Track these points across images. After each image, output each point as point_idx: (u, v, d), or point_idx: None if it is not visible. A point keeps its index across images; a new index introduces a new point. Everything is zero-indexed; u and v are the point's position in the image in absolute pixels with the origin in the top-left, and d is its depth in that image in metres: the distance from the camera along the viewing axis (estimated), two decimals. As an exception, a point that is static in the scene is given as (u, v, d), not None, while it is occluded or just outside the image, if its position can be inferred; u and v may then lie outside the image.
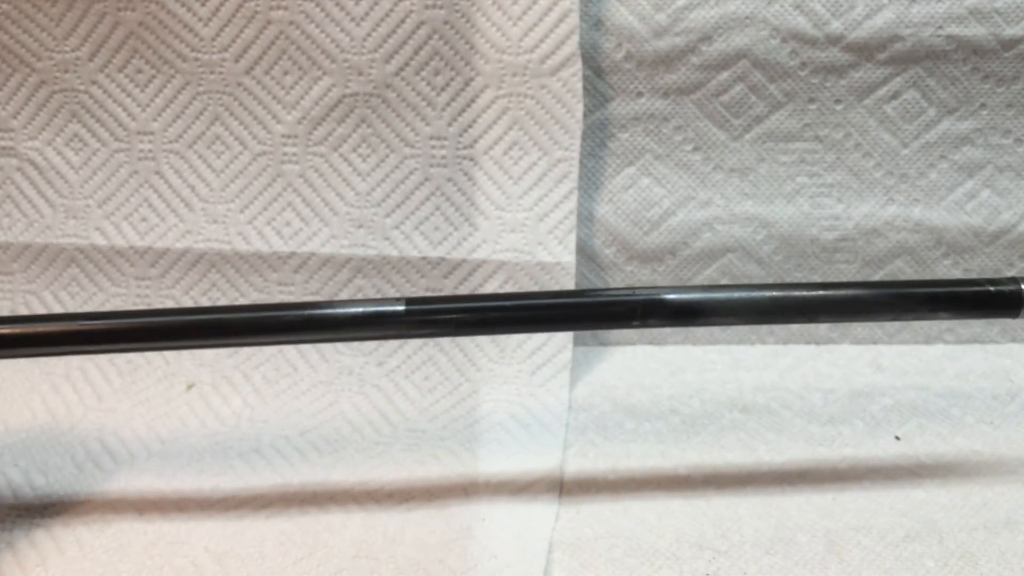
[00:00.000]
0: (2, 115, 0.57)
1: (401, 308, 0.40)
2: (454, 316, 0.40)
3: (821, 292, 0.41)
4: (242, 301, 0.57)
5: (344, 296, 0.56)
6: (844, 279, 0.57)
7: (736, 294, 0.41)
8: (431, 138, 0.54)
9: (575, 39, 0.52)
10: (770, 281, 0.57)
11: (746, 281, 0.57)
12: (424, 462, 0.50)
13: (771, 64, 0.53)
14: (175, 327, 0.41)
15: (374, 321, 0.40)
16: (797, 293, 0.41)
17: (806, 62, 0.53)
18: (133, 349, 0.45)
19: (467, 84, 0.53)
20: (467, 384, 0.55)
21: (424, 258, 0.55)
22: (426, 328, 0.41)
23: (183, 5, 0.53)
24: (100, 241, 0.57)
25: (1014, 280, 0.40)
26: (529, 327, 0.45)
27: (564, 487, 0.48)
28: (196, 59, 0.54)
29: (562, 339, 0.56)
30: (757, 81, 0.54)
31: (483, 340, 0.56)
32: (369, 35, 0.53)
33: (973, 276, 0.57)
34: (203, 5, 0.53)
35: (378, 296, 0.56)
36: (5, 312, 0.59)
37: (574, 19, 0.52)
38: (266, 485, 0.49)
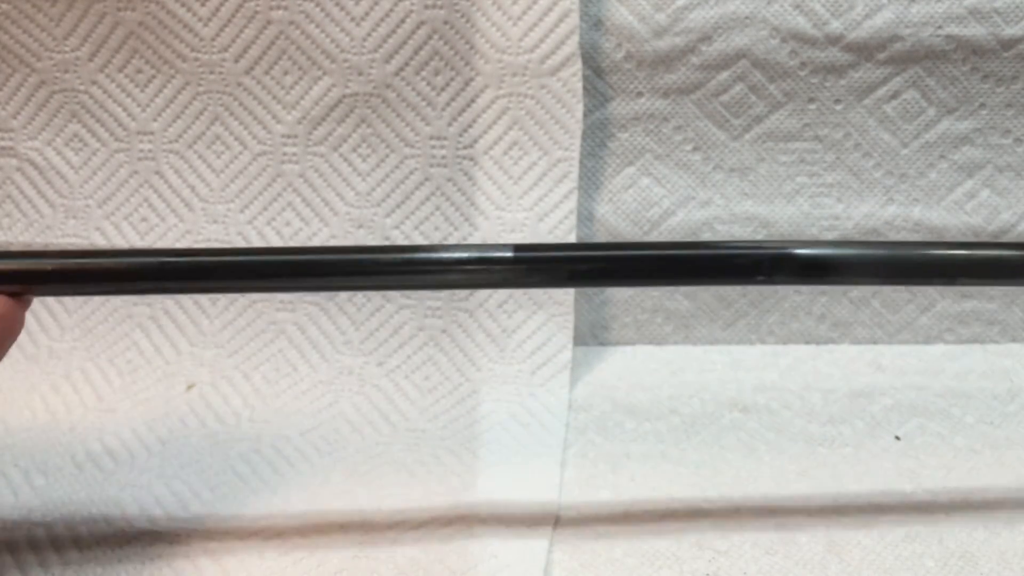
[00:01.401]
0: (2, 115, 0.57)
1: (509, 254, 0.37)
2: (566, 266, 0.38)
3: (964, 252, 0.39)
4: (241, 301, 0.57)
5: (344, 295, 0.56)
6: (844, 279, 0.57)
7: (871, 251, 0.38)
8: (431, 138, 0.54)
9: (575, 39, 0.52)
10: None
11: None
12: (424, 462, 0.50)
13: (771, 64, 0.53)
14: (266, 267, 0.38)
15: (480, 265, 0.37)
16: (938, 252, 0.38)
17: (806, 62, 0.53)
18: (221, 289, 0.41)
19: (467, 84, 0.53)
20: (467, 384, 0.55)
21: (424, 258, 0.55)
22: (535, 276, 0.38)
23: (183, 5, 0.53)
24: (100, 241, 0.57)
25: None
26: (647, 280, 0.41)
27: (564, 487, 0.48)
28: (196, 59, 0.54)
29: (562, 339, 0.56)
30: (757, 81, 0.54)
31: (483, 340, 0.56)
32: (369, 35, 0.53)
33: (973, 276, 0.57)
34: (203, 5, 0.53)
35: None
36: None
37: (574, 19, 0.52)
38: (266, 485, 0.49)
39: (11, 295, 0.37)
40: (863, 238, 0.56)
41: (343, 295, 0.56)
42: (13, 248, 0.58)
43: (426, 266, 0.38)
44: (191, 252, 0.41)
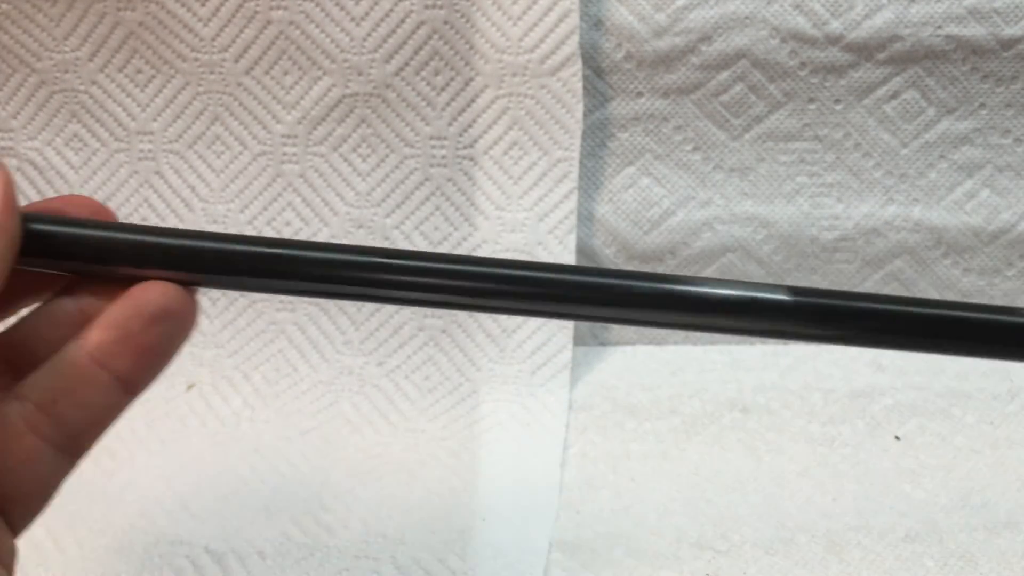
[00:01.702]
0: (2, 115, 0.57)
1: (787, 298, 0.31)
2: (859, 321, 0.31)
3: None
4: (241, 301, 0.57)
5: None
6: (844, 279, 0.57)
7: None
8: (431, 138, 0.54)
9: (575, 39, 0.52)
10: (769, 281, 0.57)
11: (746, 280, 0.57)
12: (424, 462, 0.50)
13: (771, 64, 0.53)
14: (461, 278, 0.30)
15: (750, 309, 0.31)
16: None
17: (806, 62, 0.53)
18: (414, 301, 0.31)
19: (467, 84, 0.53)
20: (467, 384, 0.55)
21: (424, 258, 0.55)
22: (818, 328, 0.31)
23: (183, 5, 0.53)
24: (100, 241, 0.57)
25: None
26: (953, 349, 0.33)
27: (564, 487, 0.48)
28: (196, 59, 0.54)
29: (562, 339, 0.56)
30: (757, 81, 0.54)
31: (483, 340, 0.56)
32: (369, 35, 0.53)
33: (972, 276, 0.57)
34: (203, 5, 0.53)
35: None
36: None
37: (574, 19, 0.52)
38: (266, 485, 0.49)
39: (181, 284, 0.29)
40: (863, 238, 0.56)
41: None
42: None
43: (684, 302, 0.31)
44: (417, 256, 0.31)
